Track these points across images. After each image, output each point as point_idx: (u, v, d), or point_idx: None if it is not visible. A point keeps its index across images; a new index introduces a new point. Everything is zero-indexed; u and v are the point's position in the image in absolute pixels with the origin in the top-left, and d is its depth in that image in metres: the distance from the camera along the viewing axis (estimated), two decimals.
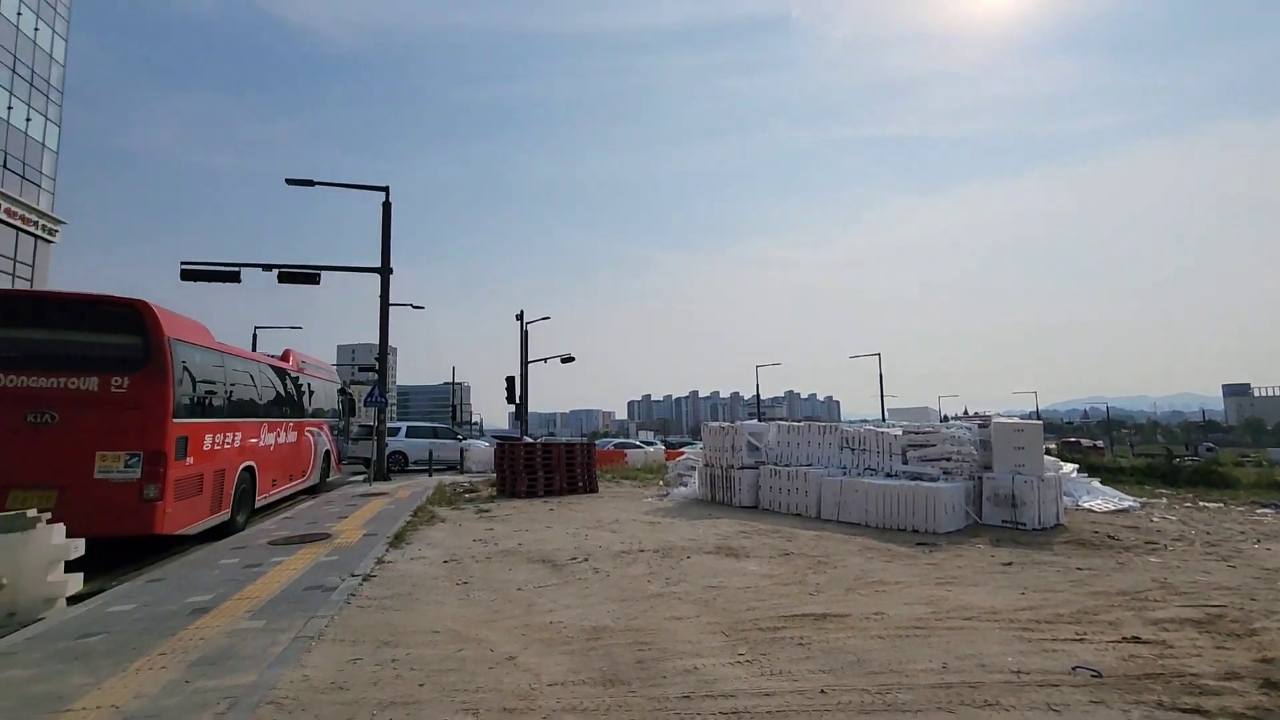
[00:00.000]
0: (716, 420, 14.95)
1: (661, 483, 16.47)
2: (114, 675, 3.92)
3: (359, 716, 3.37)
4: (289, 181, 18.31)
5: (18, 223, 26.56)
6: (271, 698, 3.57)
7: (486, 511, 11.61)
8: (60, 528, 5.75)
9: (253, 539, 8.78)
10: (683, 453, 23.10)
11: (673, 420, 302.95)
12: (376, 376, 20.24)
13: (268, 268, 17.98)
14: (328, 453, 15.81)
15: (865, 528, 9.52)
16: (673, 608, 5.45)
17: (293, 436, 13.03)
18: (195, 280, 17.81)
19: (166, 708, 3.46)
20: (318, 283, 18.26)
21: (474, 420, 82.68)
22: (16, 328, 7.83)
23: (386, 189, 19.22)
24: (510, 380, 28.42)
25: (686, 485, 14.21)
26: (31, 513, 5.75)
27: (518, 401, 28.70)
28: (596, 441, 22.71)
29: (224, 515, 9.30)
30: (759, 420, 20.91)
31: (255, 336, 36.09)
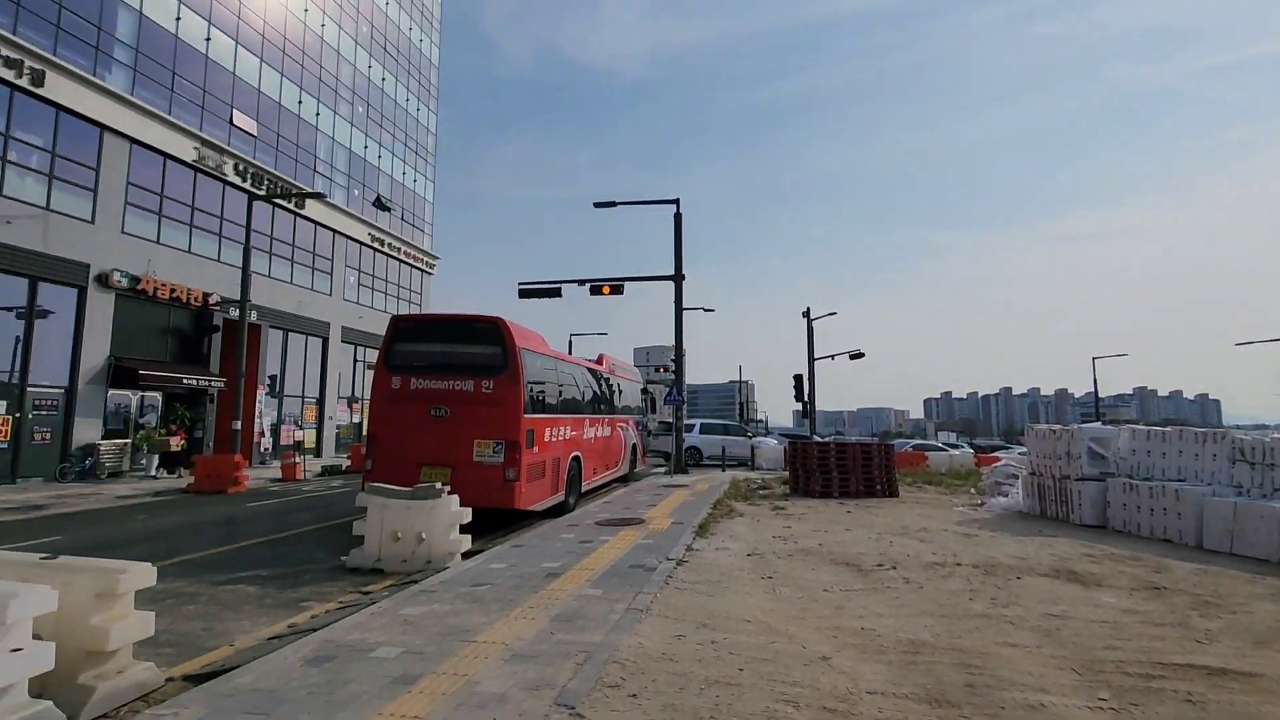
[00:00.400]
0: (1040, 422, 12.89)
1: (973, 490, 14.80)
2: (500, 619, 4.89)
3: (689, 687, 3.68)
4: (596, 205, 20.79)
5: (411, 260, 34.68)
6: (615, 658, 4.09)
7: (782, 509, 11.71)
8: (455, 498, 7.35)
9: (582, 518, 10.15)
10: (998, 458, 20.47)
11: (979, 420, 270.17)
12: (673, 376, 21.79)
13: (582, 283, 20.61)
14: (634, 446, 17.53)
15: (1275, 566, 7.35)
16: (1004, 632, 4.87)
17: (607, 431, 14.74)
18: (528, 298, 21.26)
19: (541, 651, 4.20)
20: (622, 293, 20.38)
21: (760, 418, 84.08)
22: (419, 342, 10.24)
23: (676, 201, 20.60)
24: (798, 378, 28.24)
25: (1006, 495, 12.55)
26: (438, 485, 7.45)
27: (805, 400, 28.38)
28: (892, 443, 21.37)
29: (560, 496, 10.95)
30: (1101, 423, 17.51)
31: (570, 343, 41.76)
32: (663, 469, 20.29)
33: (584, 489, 12.70)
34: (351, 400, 29.47)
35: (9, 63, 15.74)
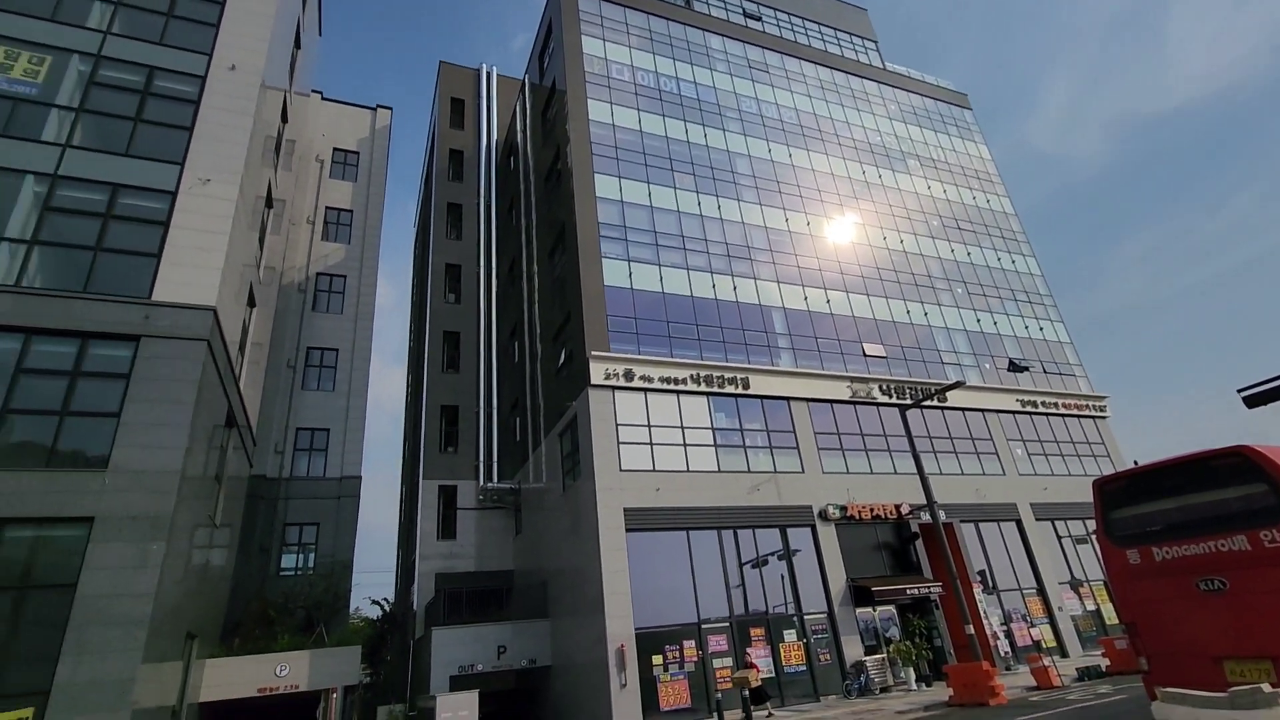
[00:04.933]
0: None
1: None
2: None
3: None
4: None
5: (1074, 411, 30.95)
6: None
7: None
8: None
9: None
10: None
11: None
12: None
13: None
14: None
15: None
16: None
17: None
18: (1262, 404, 15.72)
19: None
20: None
21: None
22: (1141, 502, 8.50)
23: None
24: None
25: None
26: (1266, 686, 5.49)
27: None
28: None
29: None
30: None
31: None
32: None
33: None
34: (1075, 584, 25.97)
35: (729, 381, 22.80)
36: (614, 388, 21.06)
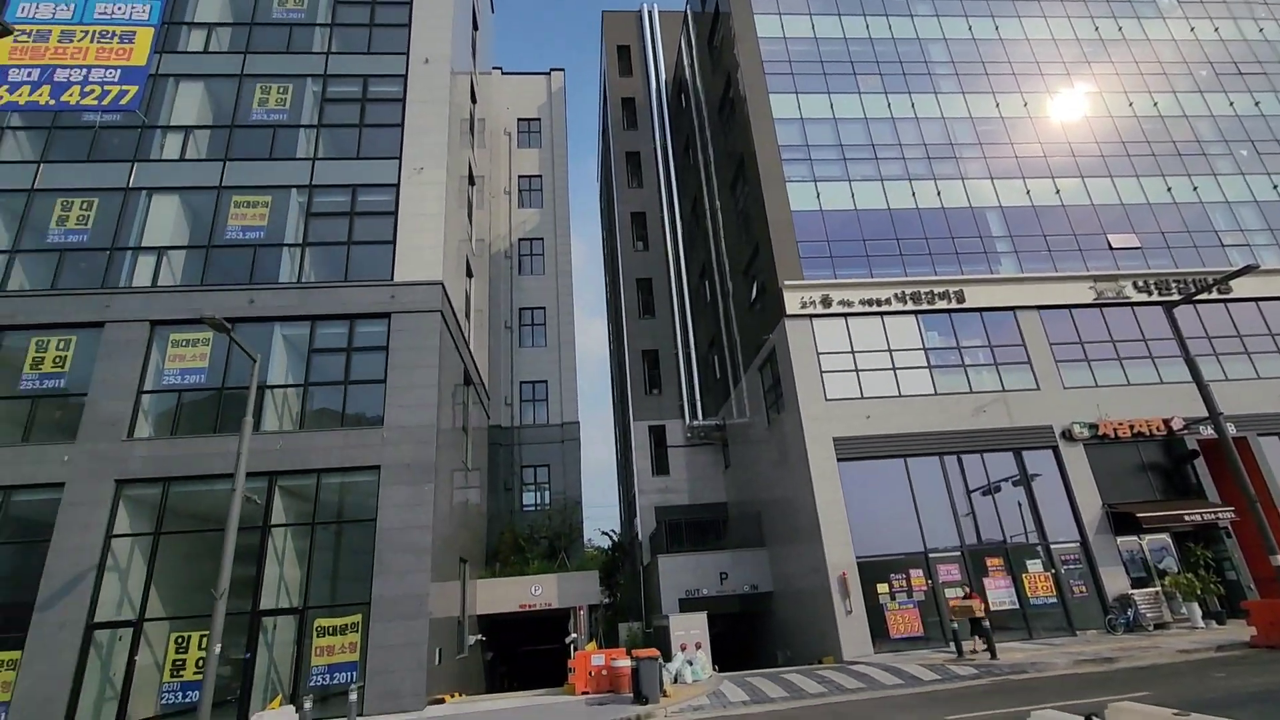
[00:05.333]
0: None
1: None
2: None
3: None
4: None
5: None
6: None
7: None
8: None
9: None
10: None
11: None
12: None
13: None
14: None
15: None
16: None
17: None
18: None
19: None
20: None
21: None
22: None
23: None
24: None
25: None
26: None
27: None
28: None
29: None
30: None
31: None
32: None
33: None
34: None
35: (939, 296, 20.79)
36: (811, 316, 20.31)
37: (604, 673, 14.94)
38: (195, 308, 16.44)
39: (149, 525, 15.52)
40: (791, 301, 20.30)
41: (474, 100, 26.63)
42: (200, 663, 13.33)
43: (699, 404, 28.20)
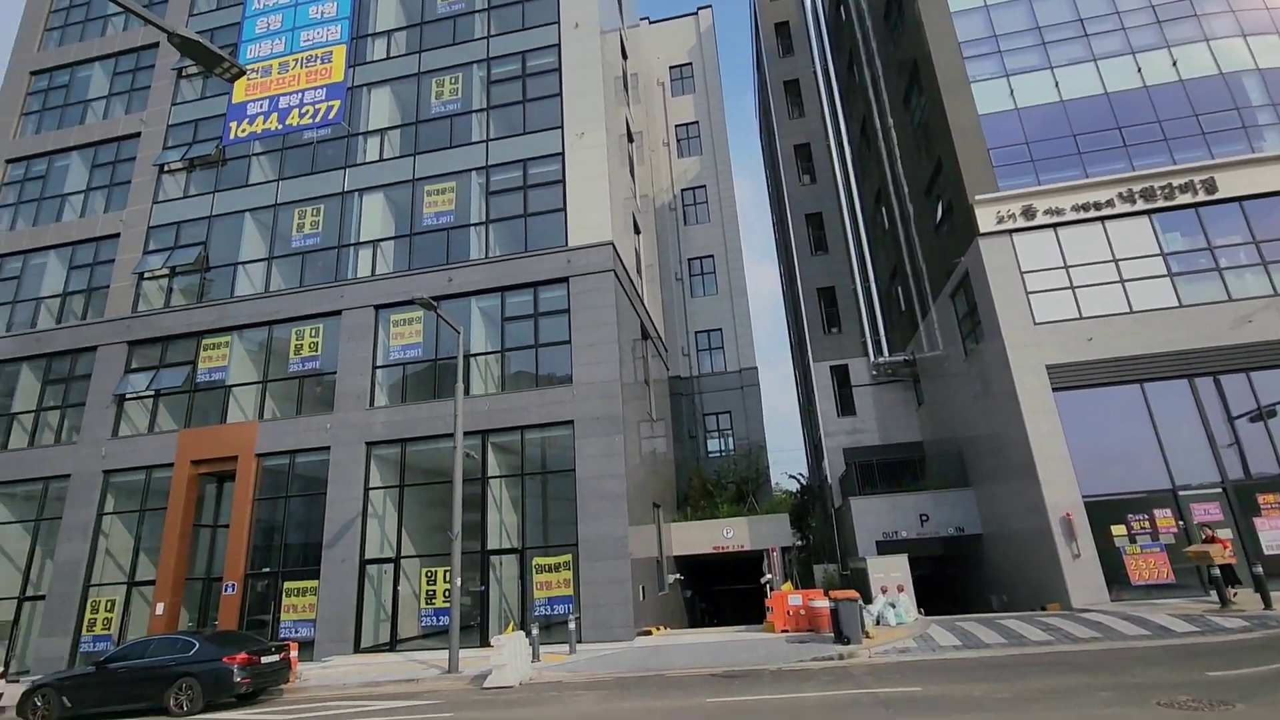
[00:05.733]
0: None
1: None
2: None
3: None
4: None
5: None
6: None
7: None
8: None
9: None
10: None
11: None
12: None
13: None
14: None
15: None
16: None
17: None
18: None
19: None
20: None
21: None
22: None
23: None
24: None
25: None
26: None
27: None
28: None
29: None
30: None
31: None
32: None
33: None
34: None
35: (1180, 189, 17.31)
36: (1010, 231, 18.02)
37: (802, 613, 15.03)
38: (407, 290, 18.64)
39: (394, 479, 18.23)
40: (985, 218, 18.14)
41: (625, 56, 26.67)
42: (446, 594, 15.55)
43: (883, 340, 26.56)
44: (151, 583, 18.48)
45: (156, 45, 24.70)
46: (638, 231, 24.60)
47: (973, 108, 19.39)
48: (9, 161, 24.94)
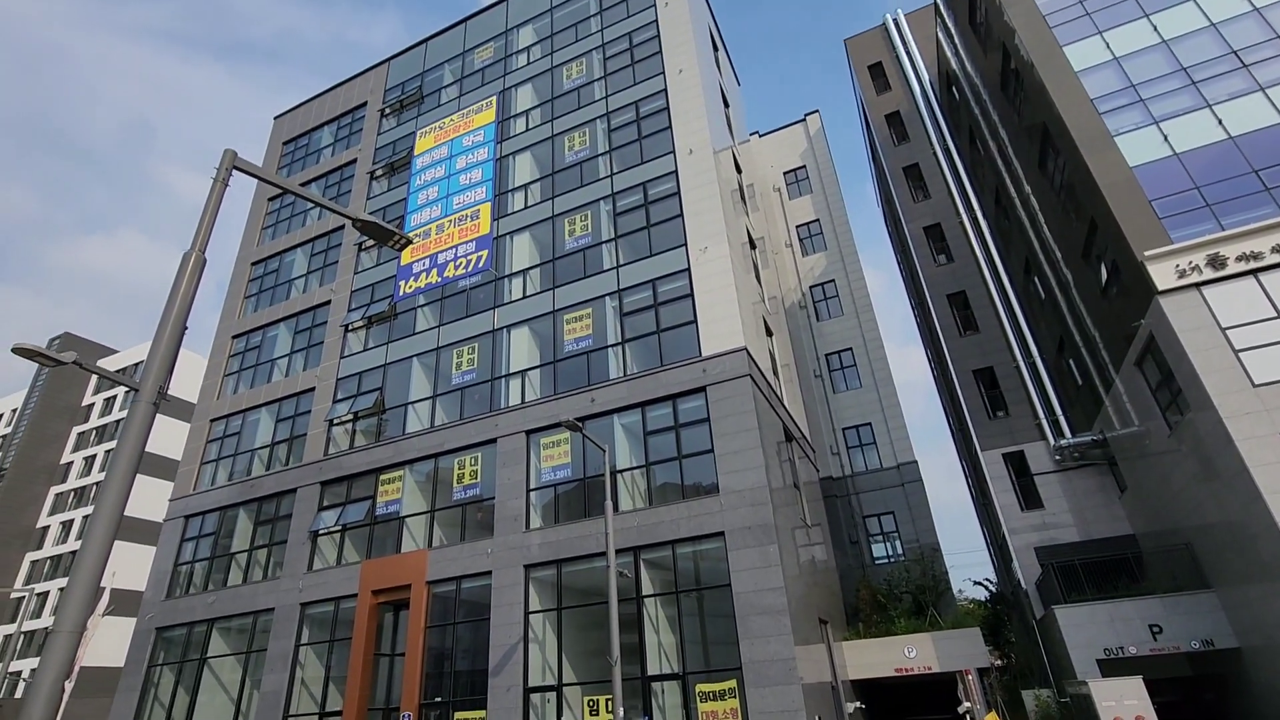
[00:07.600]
0: None
1: None
2: None
3: None
4: None
5: None
6: None
7: None
8: None
9: None
10: None
11: None
12: None
13: None
14: None
15: None
16: None
17: None
18: None
19: None
20: None
21: None
22: None
23: None
24: None
25: None
26: None
27: None
28: None
29: None
30: None
31: None
32: None
33: None
34: None
35: None
36: (1198, 284, 15.91)
37: None
38: (553, 414, 19.58)
39: (552, 601, 18.33)
40: (1162, 274, 16.21)
41: (739, 170, 27.89)
42: None
43: (1062, 420, 23.72)
44: (338, 713, 19.46)
45: (343, 228, 29.44)
46: (770, 334, 24.52)
47: (1122, 161, 17.97)
48: (234, 337, 30.10)
